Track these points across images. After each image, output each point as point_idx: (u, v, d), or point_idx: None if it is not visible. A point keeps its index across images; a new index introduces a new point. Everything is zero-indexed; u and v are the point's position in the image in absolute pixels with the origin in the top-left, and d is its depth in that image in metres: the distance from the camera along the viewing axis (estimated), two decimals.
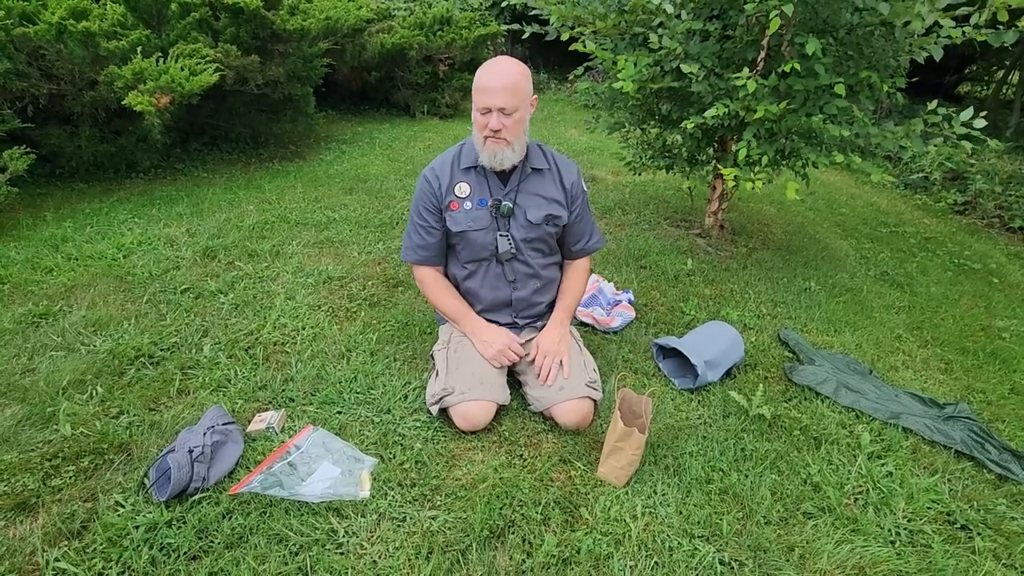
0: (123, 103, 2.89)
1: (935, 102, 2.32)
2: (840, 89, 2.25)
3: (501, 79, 1.52)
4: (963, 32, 2.16)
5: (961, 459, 1.79)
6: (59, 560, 1.21)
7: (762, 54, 2.51)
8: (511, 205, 1.69)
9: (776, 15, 2.06)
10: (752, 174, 2.44)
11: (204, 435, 1.43)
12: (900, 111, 6.40)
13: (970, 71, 9.91)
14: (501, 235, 1.71)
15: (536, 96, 1.62)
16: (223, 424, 1.50)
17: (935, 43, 2.28)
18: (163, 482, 1.36)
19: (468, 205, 1.70)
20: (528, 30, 2.84)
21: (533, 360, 1.74)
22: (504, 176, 1.70)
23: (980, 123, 2.15)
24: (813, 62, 2.30)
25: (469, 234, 1.71)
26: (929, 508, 1.58)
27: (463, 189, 1.70)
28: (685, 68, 2.35)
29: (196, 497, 1.36)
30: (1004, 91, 8.68)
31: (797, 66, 2.24)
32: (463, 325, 1.79)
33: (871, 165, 2.32)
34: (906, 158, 2.46)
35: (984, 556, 1.45)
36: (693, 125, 2.45)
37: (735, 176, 2.44)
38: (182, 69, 3.03)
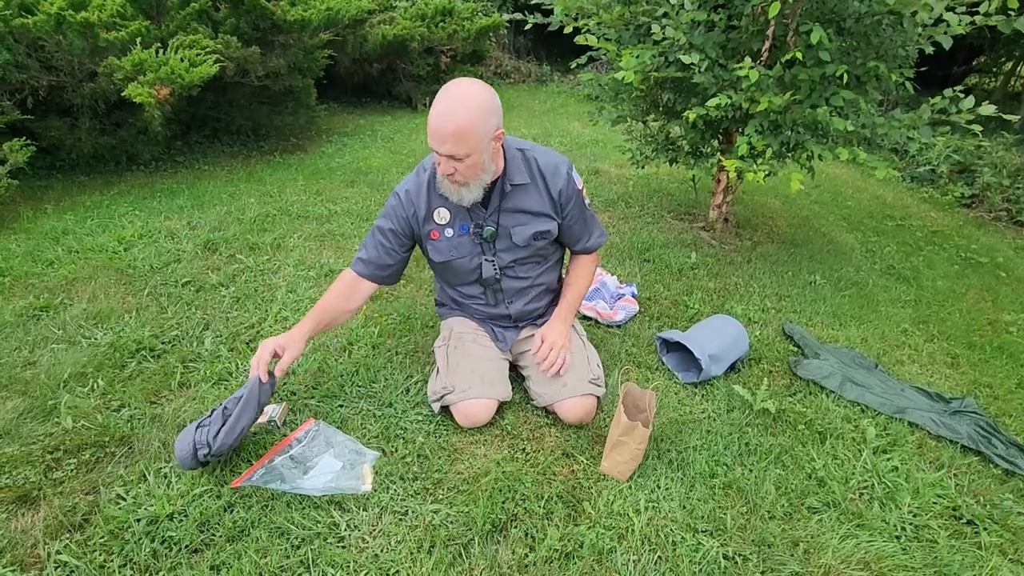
0: (123, 95, 2.88)
1: (940, 95, 2.28)
2: (842, 72, 2.21)
3: (448, 124, 1.33)
4: (972, 21, 2.12)
5: (967, 454, 1.78)
6: (60, 553, 1.21)
7: (766, 44, 2.47)
8: (494, 229, 1.57)
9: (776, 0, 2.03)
10: (755, 165, 2.41)
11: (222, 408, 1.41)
12: (908, 103, 6.34)
13: (978, 63, 9.81)
14: (487, 260, 1.62)
15: (502, 131, 1.44)
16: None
17: (945, 32, 2.24)
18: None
19: (449, 232, 1.59)
20: (531, 20, 2.80)
21: (536, 351, 1.70)
22: (484, 197, 1.54)
23: (990, 109, 2.11)
24: (818, 51, 2.27)
25: (453, 263, 1.63)
26: (935, 503, 1.56)
27: (442, 215, 1.57)
28: (686, 59, 2.31)
29: (197, 491, 1.36)
30: (1012, 83, 8.59)
31: (799, 55, 2.21)
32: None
33: (877, 159, 2.29)
34: (913, 151, 2.43)
35: (990, 551, 1.44)
36: (695, 115, 2.42)
37: (737, 168, 2.41)
38: (182, 60, 3.01)
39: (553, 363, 1.65)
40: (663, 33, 2.36)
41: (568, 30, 2.72)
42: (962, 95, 2.18)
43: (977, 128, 2.17)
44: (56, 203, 2.96)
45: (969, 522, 1.53)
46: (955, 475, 1.68)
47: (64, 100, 3.12)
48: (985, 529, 1.50)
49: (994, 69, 9.73)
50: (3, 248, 2.43)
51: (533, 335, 1.80)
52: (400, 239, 1.61)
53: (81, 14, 2.80)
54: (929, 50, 2.44)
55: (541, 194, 1.60)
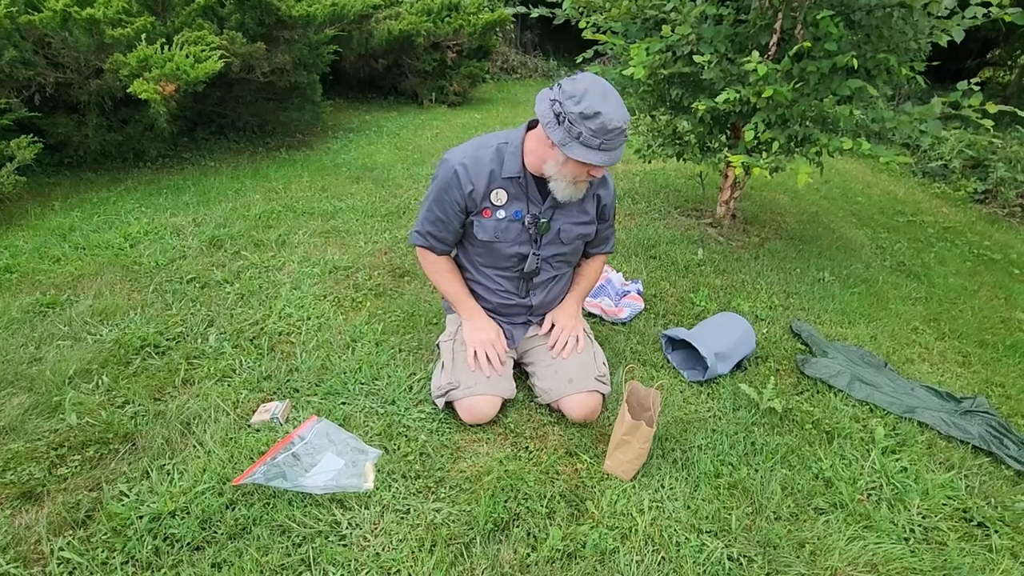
0: (128, 91, 2.88)
1: (954, 87, 2.24)
2: (852, 61, 2.17)
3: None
4: (987, 13, 2.08)
5: (978, 455, 1.75)
6: (64, 549, 1.21)
7: (774, 38, 2.44)
8: (548, 222, 1.60)
9: None
10: (761, 159, 2.38)
11: None
12: (920, 96, 6.25)
13: (992, 56, 9.65)
14: (534, 253, 1.63)
15: None
16: None
17: (957, 25, 2.20)
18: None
19: (501, 214, 1.58)
20: (535, 12, 2.78)
21: (546, 332, 1.75)
22: (543, 185, 1.56)
23: (996, 108, 2.09)
24: (825, 42, 2.23)
25: (495, 245, 1.62)
26: (945, 505, 1.54)
27: (500, 196, 1.57)
28: (698, 59, 2.30)
29: (199, 488, 1.36)
30: None
31: (807, 45, 2.17)
32: (460, 308, 1.74)
33: (881, 148, 2.25)
34: (925, 145, 2.40)
35: (1001, 554, 1.41)
36: (704, 108, 2.39)
37: (744, 163, 2.38)
38: (187, 56, 3.01)
39: (564, 344, 1.70)
40: (672, 31, 2.34)
41: (572, 13, 2.69)
42: (977, 87, 2.15)
43: (989, 123, 2.13)
44: (63, 200, 2.98)
45: (980, 524, 1.50)
46: (966, 476, 1.66)
47: (71, 97, 3.13)
48: (996, 532, 1.48)
49: (1008, 62, 9.57)
50: (10, 245, 2.45)
51: (534, 335, 1.81)
52: (457, 215, 1.60)
53: (87, 10, 2.81)
54: (943, 43, 2.40)
55: (591, 199, 1.66)
